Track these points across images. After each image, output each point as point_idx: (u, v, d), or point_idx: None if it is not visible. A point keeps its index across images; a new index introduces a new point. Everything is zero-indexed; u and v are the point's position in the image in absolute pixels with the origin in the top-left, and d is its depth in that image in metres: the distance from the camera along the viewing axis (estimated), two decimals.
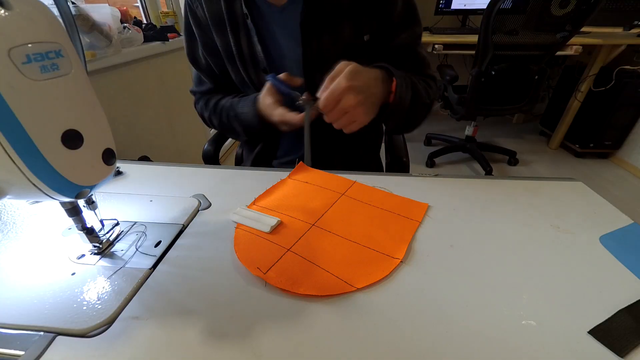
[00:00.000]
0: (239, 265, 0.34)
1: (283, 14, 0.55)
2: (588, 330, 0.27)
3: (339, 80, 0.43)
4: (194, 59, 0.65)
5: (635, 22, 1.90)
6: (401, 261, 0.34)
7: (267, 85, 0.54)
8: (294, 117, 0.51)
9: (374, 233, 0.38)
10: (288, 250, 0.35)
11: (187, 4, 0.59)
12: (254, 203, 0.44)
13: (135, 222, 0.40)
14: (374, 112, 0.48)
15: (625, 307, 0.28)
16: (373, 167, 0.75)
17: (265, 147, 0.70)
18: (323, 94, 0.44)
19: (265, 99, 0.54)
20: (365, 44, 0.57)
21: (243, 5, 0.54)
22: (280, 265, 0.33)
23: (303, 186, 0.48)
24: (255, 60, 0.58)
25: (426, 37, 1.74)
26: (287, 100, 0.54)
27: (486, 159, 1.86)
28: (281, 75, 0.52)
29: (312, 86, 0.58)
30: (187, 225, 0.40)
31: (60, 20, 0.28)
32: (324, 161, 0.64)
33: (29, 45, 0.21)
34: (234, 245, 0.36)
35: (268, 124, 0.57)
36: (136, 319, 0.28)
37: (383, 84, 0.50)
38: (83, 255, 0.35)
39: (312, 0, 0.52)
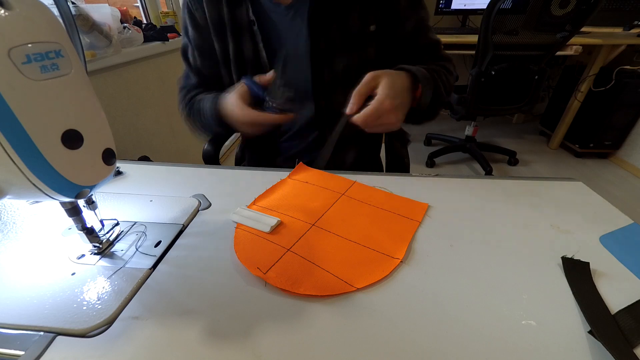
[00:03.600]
0: (239, 265, 0.34)
1: (290, 11, 0.55)
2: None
3: (383, 101, 0.44)
4: (185, 56, 0.65)
5: (635, 22, 1.90)
6: (401, 261, 0.34)
7: (240, 86, 0.53)
8: (267, 117, 0.50)
9: (374, 233, 0.38)
10: (288, 250, 0.35)
11: (185, 5, 0.59)
12: (254, 203, 0.44)
13: (135, 222, 0.40)
14: (403, 119, 0.50)
15: (625, 307, 0.28)
16: (373, 167, 0.75)
17: (265, 149, 0.70)
18: (365, 112, 0.45)
19: (235, 100, 0.52)
20: (372, 34, 0.57)
21: (250, 11, 0.54)
22: (280, 265, 0.33)
23: (303, 186, 0.48)
24: (258, 65, 0.58)
25: None
26: (256, 103, 0.53)
27: (486, 159, 1.86)
28: (255, 77, 0.53)
29: (319, 81, 0.58)
30: (187, 225, 0.40)
31: (60, 20, 0.28)
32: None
33: (29, 45, 0.21)
34: (234, 245, 0.36)
35: (224, 124, 0.56)
36: (136, 319, 0.28)
37: (410, 93, 0.51)
38: (83, 255, 0.35)
39: None
